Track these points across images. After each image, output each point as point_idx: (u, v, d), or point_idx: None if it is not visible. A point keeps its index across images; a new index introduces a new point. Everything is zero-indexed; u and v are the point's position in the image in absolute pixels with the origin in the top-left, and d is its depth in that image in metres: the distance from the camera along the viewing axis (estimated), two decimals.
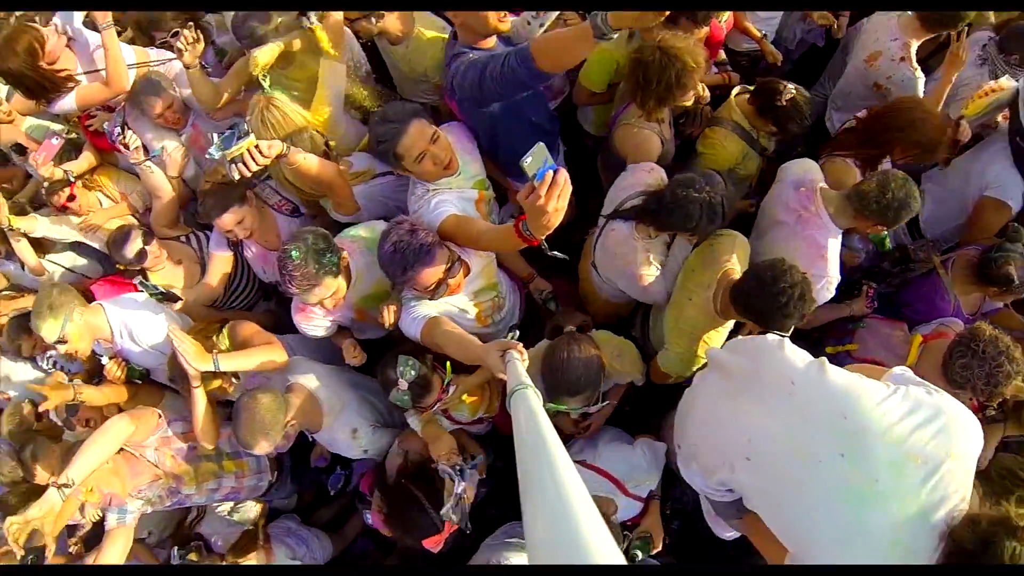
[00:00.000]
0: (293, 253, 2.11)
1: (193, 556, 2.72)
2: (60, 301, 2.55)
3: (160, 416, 2.63)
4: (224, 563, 2.69)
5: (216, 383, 2.55)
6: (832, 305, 2.57)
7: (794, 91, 2.56)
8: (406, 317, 2.27)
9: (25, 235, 3.02)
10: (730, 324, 2.38)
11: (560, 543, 0.68)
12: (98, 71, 2.78)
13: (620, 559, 0.66)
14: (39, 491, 2.24)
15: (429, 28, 2.79)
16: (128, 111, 2.93)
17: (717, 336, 2.36)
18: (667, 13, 1.60)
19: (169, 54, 2.93)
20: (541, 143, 1.45)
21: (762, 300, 2.04)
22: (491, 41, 2.32)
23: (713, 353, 1.97)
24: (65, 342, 2.56)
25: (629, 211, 2.42)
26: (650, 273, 2.41)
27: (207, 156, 2.02)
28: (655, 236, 2.39)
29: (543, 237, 1.65)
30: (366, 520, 2.84)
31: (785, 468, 1.60)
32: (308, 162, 2.29)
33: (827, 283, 2.36)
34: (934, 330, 2.48)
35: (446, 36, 2.70)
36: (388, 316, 2.32)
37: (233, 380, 2.65)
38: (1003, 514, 1.41)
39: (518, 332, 1.83)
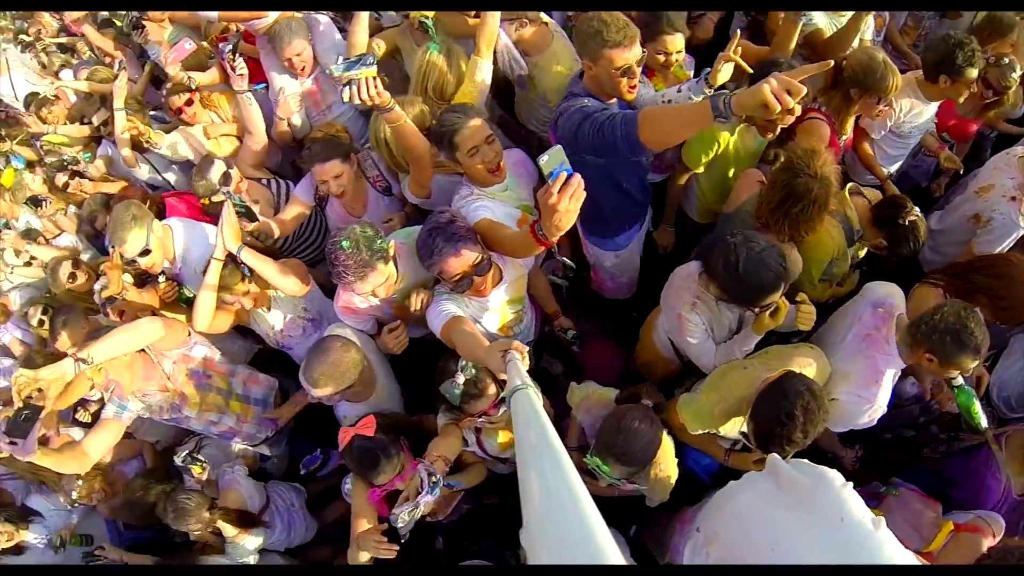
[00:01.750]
0: (344, 243, 2.11)
1: (196, 469, 2.62)
2: (142, 212, 2.59)
3: (189, 333, 2.60)
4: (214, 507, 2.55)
5: (242, 288, 2.54)
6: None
7: (917, 215, 2.44)
8: (433, 309, 2.25)
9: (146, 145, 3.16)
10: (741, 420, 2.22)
11: (566, 542, 0.66)
12: None
13: (618, 559, 0.62)
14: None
15: (565, 56, 2.79)
16: (261, 44, 3.00)
17: (733, 423, 2.22)
18: (794, 110, 1.54)
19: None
20: (559, 145, 1.50)
21: (769, 411, 1.92)
22: (612, 101, 2.30)
23: (775, 461, 1.80)
24: (148, 252, 2.59)
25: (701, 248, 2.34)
26: (690, 319, 2.30)
27: (327, 71, 2.06)
28: (713, 292, 2.23)
29: (555, 240, 1.70)
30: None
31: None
32: (407, 127, 2.29)
33: (871, 410, 2.18)
34: (969, 521, 2.24)
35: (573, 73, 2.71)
36: (416, 301, 2.30)
37: (254, 305, 2.65)
38: None
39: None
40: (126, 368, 2.41)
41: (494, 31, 2.59)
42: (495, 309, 2.40)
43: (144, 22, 3.34)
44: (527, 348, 1.67)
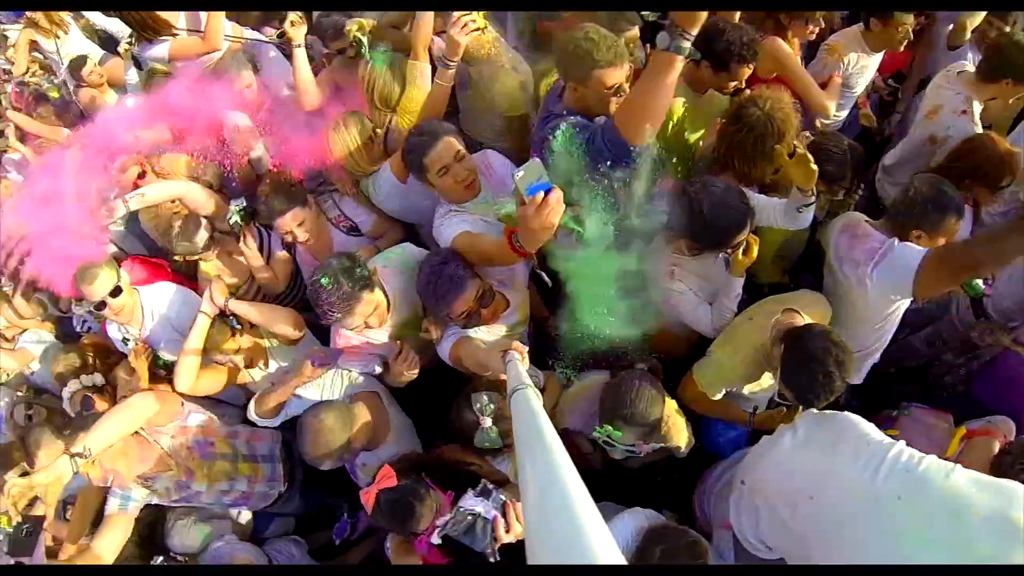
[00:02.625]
0: (323, 280, 2.04)
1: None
2: (110, 258, 2.41)
3: (182, 404, 2.40)
4: None
5: (232, 345, 2.40)
6: None
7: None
8: (442, 339, 2.23)
9: None
10: (768, 377, 2.23)
11: (560, 543, 0.66)
12: (198, 32, 2.79)
13: (620, 559, 0.63)
14: None
15: (507, 60, 2.72)
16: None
17: (762, 380, 2.24)
18: None
19: (261, 36, 2.89)
20: (537, 159, 1.48)
21: (804, 378, 1.89)
22: (599, 118, 2.17)
23: (803, 416, 1.91)
24: (120, 291, 2.39)
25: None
26: (676, 289, 2.28)
27: None
28: (688, 253, 2.22)
29: (533, 251, 1.71)
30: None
31: (845, 508, 1.62)
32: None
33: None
34: (980, 427, 2.30)
35: (523, 78, 2.70)
36: (435, 331, 2.23)
37: (258, 366, 2.51)
38: None
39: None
40: (121, 455, 2.18)
41: (428, 31, 2.52)
42: (503, 333, 2.34)
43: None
44: (526, 348, 1.65)
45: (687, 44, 1.52)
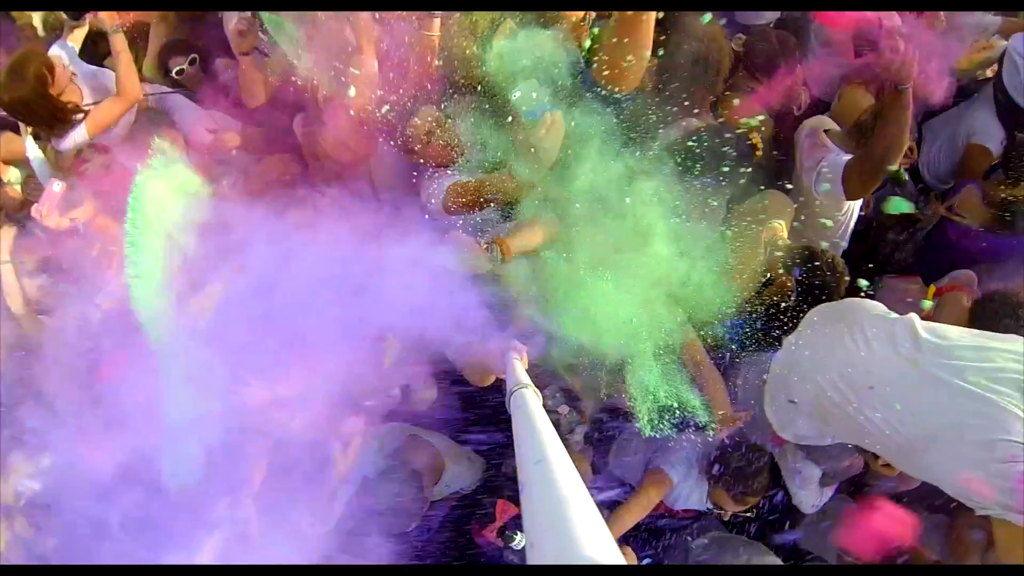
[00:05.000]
0: None
1: None
2: None
3: None
4: None
5: None
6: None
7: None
8: None
9: None
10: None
11: (553, 543, 0.66)
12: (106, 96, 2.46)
13: (617, 558, 0.62)
14: None
15: None
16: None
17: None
18: None
19: (165, 88, 2.66)
20: (533, 80, 1.54)
21: (819, 286, 2.14)
22: None
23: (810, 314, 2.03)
24: None
25: None
26: None
27: None
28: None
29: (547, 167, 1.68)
30: None
31: (904, 388, 1.69)
32: None
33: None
34: (947, 284, 2.49)
35: None
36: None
37: None
38: None
39: None
40: None
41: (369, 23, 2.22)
42: None
43: None
44: (525, 347, 1.65)
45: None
